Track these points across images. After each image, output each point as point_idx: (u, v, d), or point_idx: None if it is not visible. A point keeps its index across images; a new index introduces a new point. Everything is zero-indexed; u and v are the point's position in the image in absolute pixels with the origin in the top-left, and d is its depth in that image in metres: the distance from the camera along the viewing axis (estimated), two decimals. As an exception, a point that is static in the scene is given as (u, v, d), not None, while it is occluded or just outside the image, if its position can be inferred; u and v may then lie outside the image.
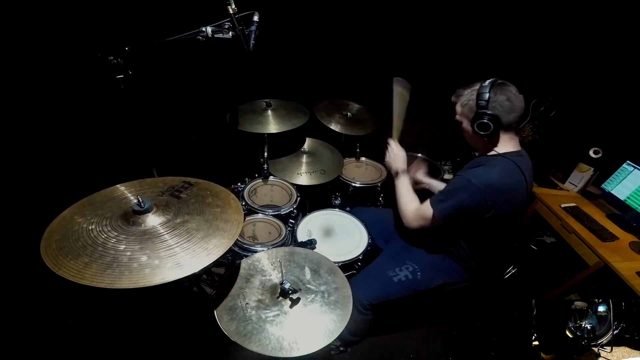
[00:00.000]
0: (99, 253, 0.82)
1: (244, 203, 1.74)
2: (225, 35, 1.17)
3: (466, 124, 1.27)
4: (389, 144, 1.53)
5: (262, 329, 0.97)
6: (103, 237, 0.86)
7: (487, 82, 1.19)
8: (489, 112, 1.17)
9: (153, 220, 0.91)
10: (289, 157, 2.05)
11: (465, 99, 1.24)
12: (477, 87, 1.21)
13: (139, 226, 0.90)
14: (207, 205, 1.01)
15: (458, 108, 1.28)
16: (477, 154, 1.37)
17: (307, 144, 2.14)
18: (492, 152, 1.27)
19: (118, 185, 1.07)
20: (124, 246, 0.84)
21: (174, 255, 0.83)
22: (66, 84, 1.70)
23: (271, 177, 1.92)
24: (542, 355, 1.07)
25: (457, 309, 1.91)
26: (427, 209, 1.29)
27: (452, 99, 1.31)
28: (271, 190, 1.98)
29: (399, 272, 1.43)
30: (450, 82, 1.32)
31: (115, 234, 0.87)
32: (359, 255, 1.53)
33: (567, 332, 1.04)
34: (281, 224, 1.66)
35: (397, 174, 1.47)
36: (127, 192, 1.05)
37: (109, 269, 0.78)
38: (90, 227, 0.89)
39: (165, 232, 0.89)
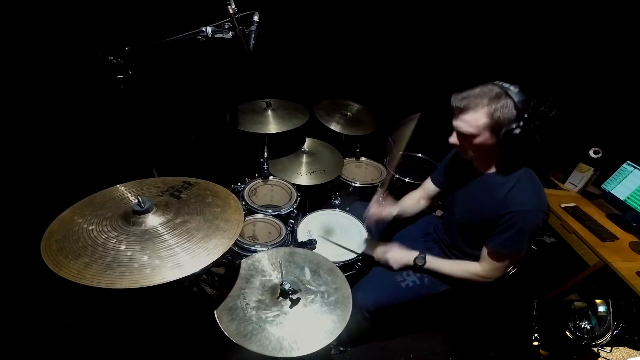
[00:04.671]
0: (99, 253, 0.82)
1: (244, 203, 1.74)
2: (225, 35, 1.17)
3: (487, 137, 1.08)
4: (378, 259, 1.44)
5: (262, 329, 0.97)
6: (103, 237, 0.86)
7: (508, 85, 1.06)
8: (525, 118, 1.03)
9: (153, 220, 0.92)
10: (289, 157, 2.05)
11: (497, 107, 1.03)
12: (495, 92, 1.05)
13: (139, 226, 0.90)
14: (207, 205, 1.01)
15: (480, 120, 1.06)
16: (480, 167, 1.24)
17: (307, 144, 2.15)
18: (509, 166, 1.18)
19: (118, 186, 1.07)
20: (124, 246, 0.84)
21: (175, 255, 0.84)
22: (66, 84, 1.70)
23: (271, 177, 1.92)
24: (541, 351, 1.07)
25: (457, 309, 1.90)
26: (495, 259, 1.20)
27: (456, 105, 1.10)
28: (271, 190, 1.98)
29: (406, 277, 1.40)
30: (450, 82, 1.31)
31: (116, 234, 0.87)
32: (359, 255, 1.53)
33: (567, 333, 1.04)
34: (281, 224, 1.66)
35: (415, 265, 1.37)
36: (127, 192, 1.05)
37: (110, 269, 0.78)
38: (90, 228, 0.89)
39: (166, 232, 0.89)
